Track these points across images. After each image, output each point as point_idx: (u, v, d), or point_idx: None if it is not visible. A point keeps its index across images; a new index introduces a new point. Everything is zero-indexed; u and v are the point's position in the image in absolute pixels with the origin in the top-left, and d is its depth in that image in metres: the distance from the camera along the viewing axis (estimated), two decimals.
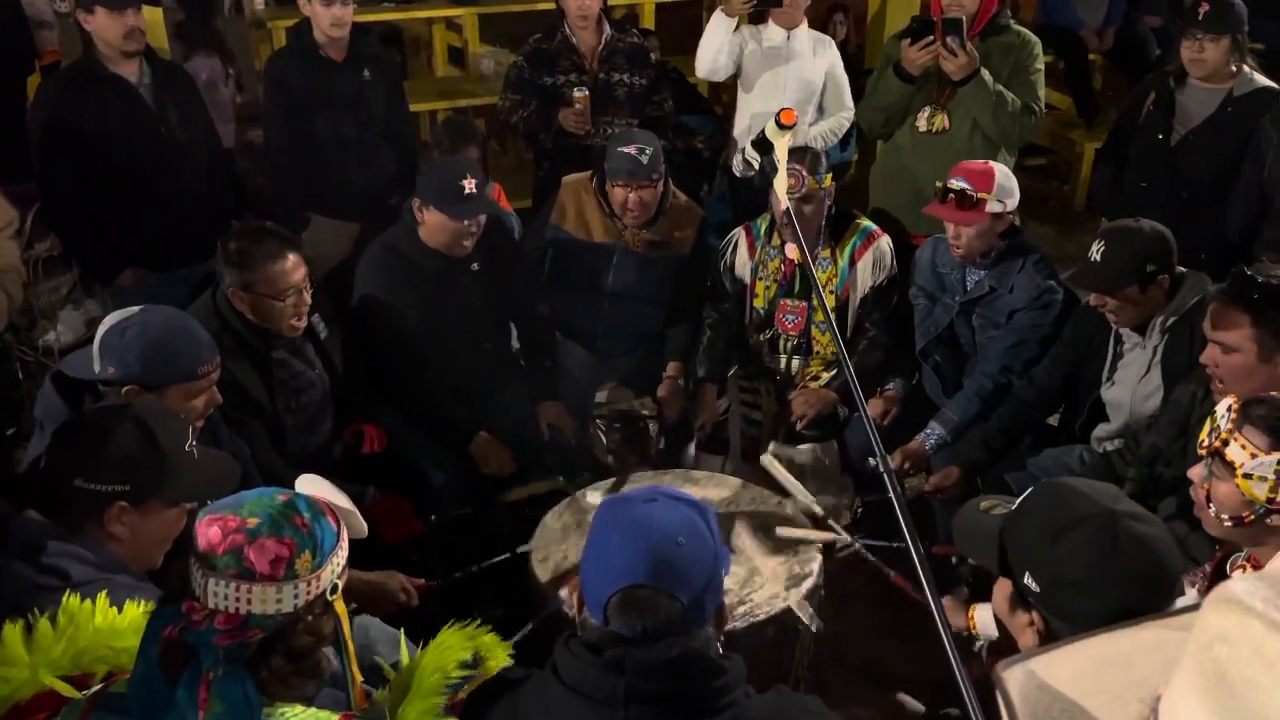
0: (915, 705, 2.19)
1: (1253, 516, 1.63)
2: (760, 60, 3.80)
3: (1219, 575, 1.82)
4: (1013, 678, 0.84)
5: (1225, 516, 1.66)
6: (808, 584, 2.28)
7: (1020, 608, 1.43)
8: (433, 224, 2.95)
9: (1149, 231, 2.53)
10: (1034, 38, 3.50)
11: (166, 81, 3.44)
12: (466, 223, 2.93)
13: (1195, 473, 1.74)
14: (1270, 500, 1.60)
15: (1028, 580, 1.40)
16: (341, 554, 1.40)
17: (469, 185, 2.89)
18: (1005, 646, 1.50)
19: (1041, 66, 3.49)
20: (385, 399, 2.97)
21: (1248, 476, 1.61)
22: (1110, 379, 2.71)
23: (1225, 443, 1.65)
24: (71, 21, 3.91)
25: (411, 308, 2.98)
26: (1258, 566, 1.70)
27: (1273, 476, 1.59)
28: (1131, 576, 1.34)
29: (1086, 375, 2.79)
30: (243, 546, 1.29)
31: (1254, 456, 1.61)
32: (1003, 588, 1.47)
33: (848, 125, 3.97)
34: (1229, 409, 1.67)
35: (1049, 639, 1.40)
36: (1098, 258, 2.53)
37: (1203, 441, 1.70)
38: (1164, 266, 2.51)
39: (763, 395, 3.29)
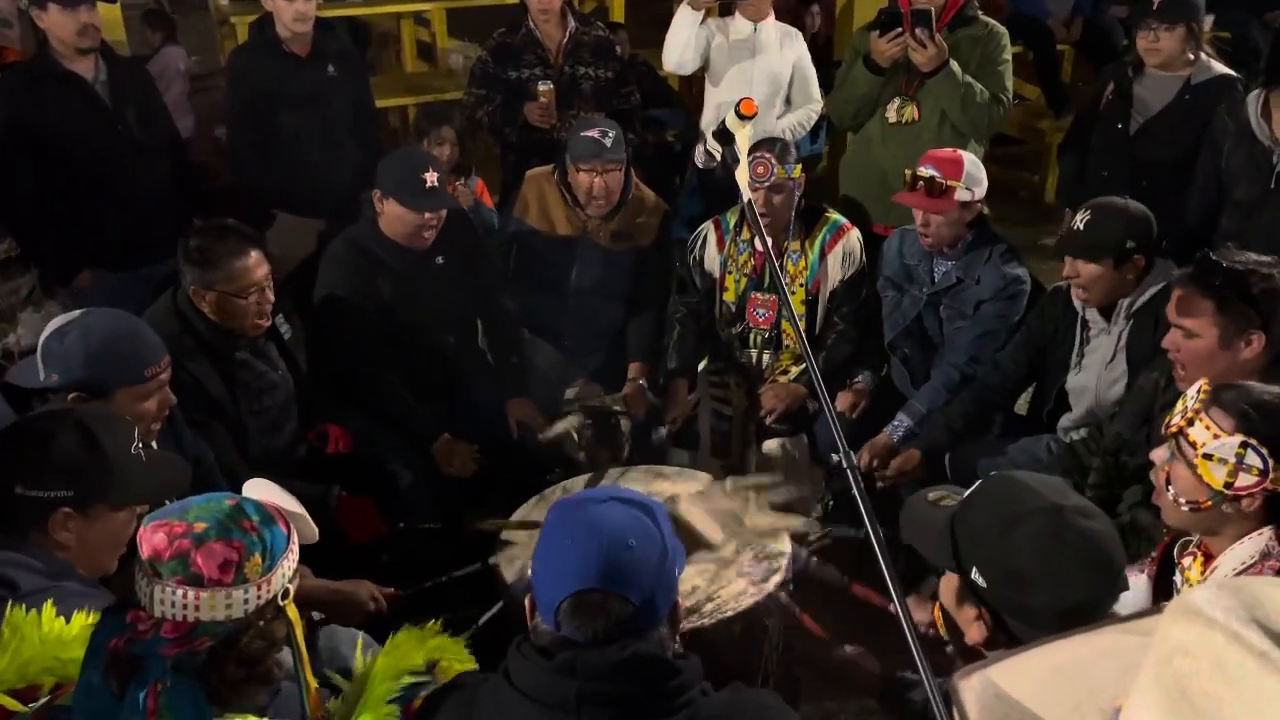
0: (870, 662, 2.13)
1: (1209, 503, 1.60)
2: (727, 53, 3.79)
3: (1167, 560, 1.81)
4: (969, 687, 0.82)
5: (1183, 501, 1.63)
6: (775, 580, 2.26)
7: (968, 601, 1.43)
8: (391, 215, 2.91)
9: (1135, 211, 2.56)
10: (1001, 29, 3.51)
11: (123, 79, 3.38)
12: (427, 215, 2.90)
13: (1158, 455, 1.71)
14: (1228, 485, 1.57)
15: (975, 575, 1.40)
16: (292, 558, 1.37)
17: (430, 179, 2.85)
18: (963, 643, 1.49)
19: (1009, 57, 3.50)
20: (349, 397, 2.93)
21: (1208, 457, 1.58)
22: (1076, 366, 2.72)
23: (1190, 422, 1.61)
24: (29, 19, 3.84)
25: (375, 303, 2.94)
26: (1209, 554, 1.68)
27: (1233, 460, 1.56)
28: (1076, 571, 1.34)
29: (1052, 362, 2.80)
30: (189, 551, 1.27)
31: (1216, 437, 1.57)
32: (950, 581, 1.47)
33: (815, 117, 3.96)
34: (1199, 390, 1.64)
35: (996, 633, 1.40)
36: (1081, 226, 2.55)
37: (1169, 422, 1.66)
38: (1142, 247, 2.53)
39: (733, 390, 3.28)
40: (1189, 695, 0.65)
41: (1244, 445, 1.55)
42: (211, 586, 1.26)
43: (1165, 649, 0.68)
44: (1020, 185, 5.98)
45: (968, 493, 1.48)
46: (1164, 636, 0.68)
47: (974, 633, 1.42)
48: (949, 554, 1.43)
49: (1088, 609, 1.34)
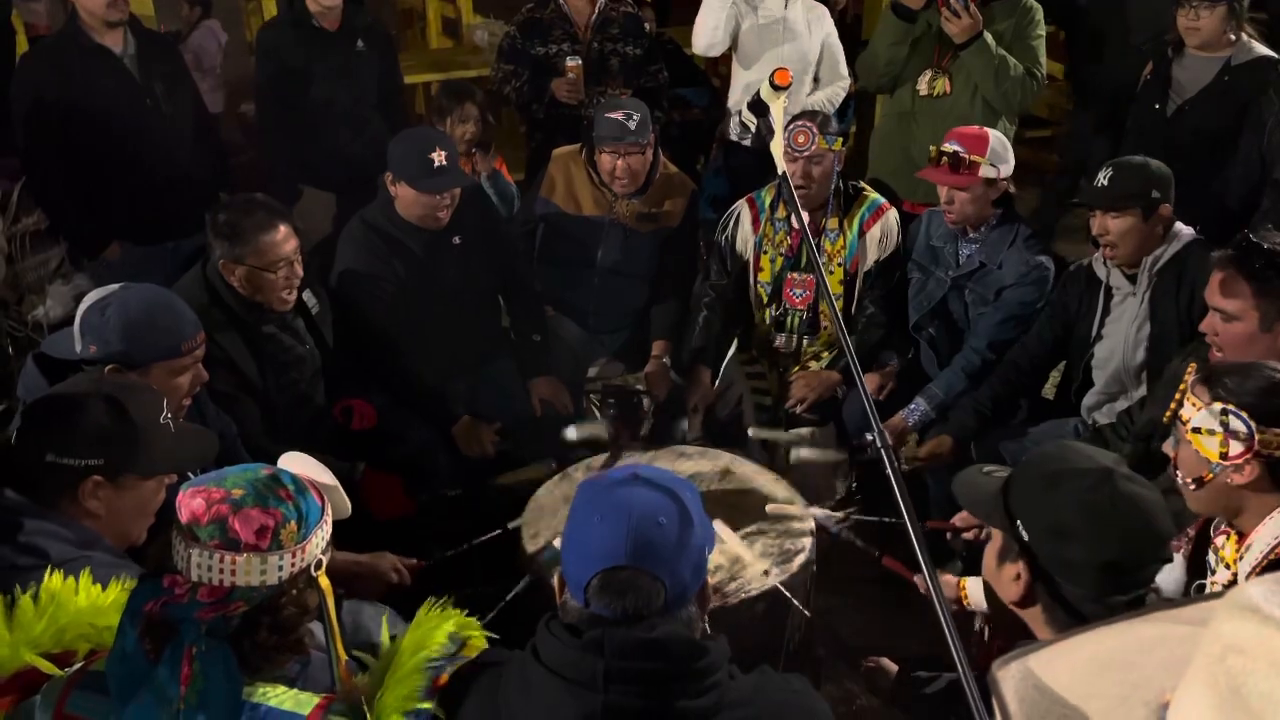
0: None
1: (1211, 475, 1.66)
2: (756, 33, 3.76)
3: (1202, 538, 1.82)
4: (1008, 677, 0.79)
5: (1189, 480, 1.69)
6: (799, 560, 2.26)
7: (1009, 559, 1.44)
8: (405, 197, 2.90)
9: (1155, 164, 2.59)
10: (1035, 3, 3.46)
11: (152, 52, 3.39)
12: (439, 196, 2.88)
13: (1168, 445, 1.79)
14: (1223, 455, 1.62)
15: (1020, 528, 1.42)
16: (326, 528, 1.38)
17: (439, 158, 2.82)
18: (1002, 624, 1.49)
19: (1043, 32, 3.46)
20: (369, 376, 2.93)
21: (1197, 431, 1.65)
22: (1099, 334, 2.70)
23: (1180, 404, 1.70)
24: None
25: (392, 283, 2.94)
26: (1242, 534, 1.70)
27: (1220, 429, 1.62)
28: (1122, 530, 1.37)
29: (1078, 338, 2.78)
30: (227, 517, 1.28)
31: (1199, 410, 1.65)
32: (994, 544, 1.49)
33: (844, 95, 3.93)
34: (1189, 373, 1.73)
35: (1033, 591, 1.42)
36: (1105, 182, 2.56)
37: (1168, 413, 1.77)
38: (1167, 197, 2.55)
39: (768, 376, 3.24)
40: (1242, 695, 0.63)
41: (1224, 412, 1.62)
42: (248, 551, 1.27)
43: (1218, 646, 0.65)
44: (1048, 167, 5.90)
45: (1026, 456, 1.54)
46: (1216, 633, 0.66)
47: (1012, 591, 1.44)
48: (1000, 511, 1.46)
49: (1128, 569, 1.38)
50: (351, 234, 3.00)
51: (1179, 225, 2.59)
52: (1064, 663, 0.79)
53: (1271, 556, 1.64)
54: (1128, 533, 1.37)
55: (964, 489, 1.59)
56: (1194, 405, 1.66)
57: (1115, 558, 1.36)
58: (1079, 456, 1.45)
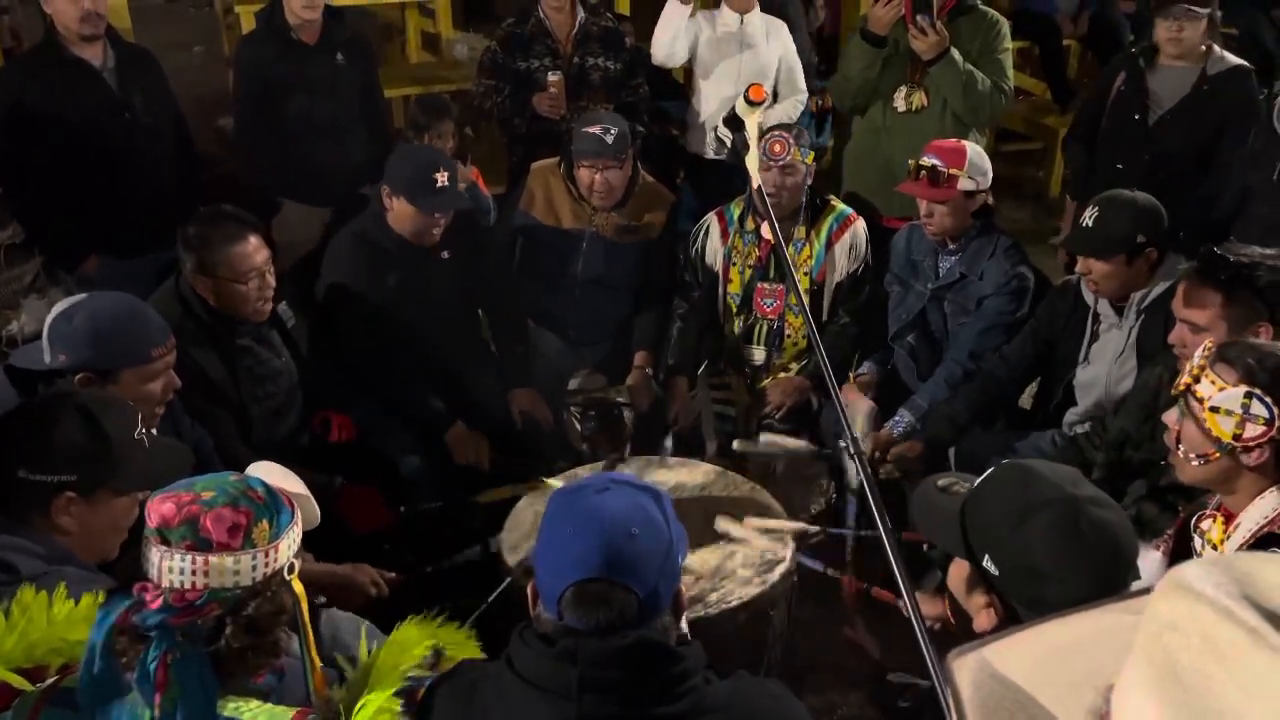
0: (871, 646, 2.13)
1: (1218, 454, 1.64)
2: (715, 46, 3.81)
3: (1182, 537, 1.82)
4: (964, 667, 0.80)
5: (1193, 456, 1.67)
6: (781, 569, 2.26)
7: (978, 589, 1.41)
8: (401, 213, 2.90)
9: (1143, 203, 2.55)
10: (1001, 18, 3.51)
11: (131, 65, 3.37)
12: (436, 215, 2.89)
13: (1169, 416, 1.75)
14: (1236, 436, 1.61)
15: (987, 563, 1.38)
16: (297, 530, 1.37)
17: (441, 179, 2.83)
18: (964, 630, 1.48)
19: (1009, 46, 3.50)
20: (356, 386, 2.92)
21: (1215, 410, 1.62)
22: (1085, 359, 2.71)
23: (1197, 379, 1.66)
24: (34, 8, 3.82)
25: (380, 295, 2.93)
26: (1229, 517, 1.70)
27: (1239, 410, 1.60)
28: (1093, 563, 1.32)
29: (1061, 356, 2.79)
30: (198, 516, 1.27)
31: (1222, 390, 1.62)
32: (959, 568, 1.45)
33: (801, 109, 3.97)
34: (1204, 349, 1.69)
35: (1007, 620, 1.38)
36: (1090, 223, 2.54)
37: (1178, 382, 1.71)
38: (1153, 239, 2.52)
39: (735, 387, 3.26)
40: (1178, 672, 0.64)
41: (1249, 395, 1.60)
42: (220, 551, 1.26)
43: (1155, 625, 0.67)
44: (1026, 181, 5.97)
45: (979, 481, 1.46)
46: (1154, 613, 0.67)
47: (983, 620, 1.40)
48: (960, 541, 1.42)
49: (1101, 599, 1.33)
50: (340, 245, 3.00)
51: (1172, 259, 2.55)
52: (1019, 652, 0.80)
53: (1260, 534, 1.64)
54: (1100, 565, 1.33)
55: (922, 513, 1.53)
56: (1214, 384, 1.62)
57: (1090, 595, 1.28)
58: (1040, 484, 1.37)
